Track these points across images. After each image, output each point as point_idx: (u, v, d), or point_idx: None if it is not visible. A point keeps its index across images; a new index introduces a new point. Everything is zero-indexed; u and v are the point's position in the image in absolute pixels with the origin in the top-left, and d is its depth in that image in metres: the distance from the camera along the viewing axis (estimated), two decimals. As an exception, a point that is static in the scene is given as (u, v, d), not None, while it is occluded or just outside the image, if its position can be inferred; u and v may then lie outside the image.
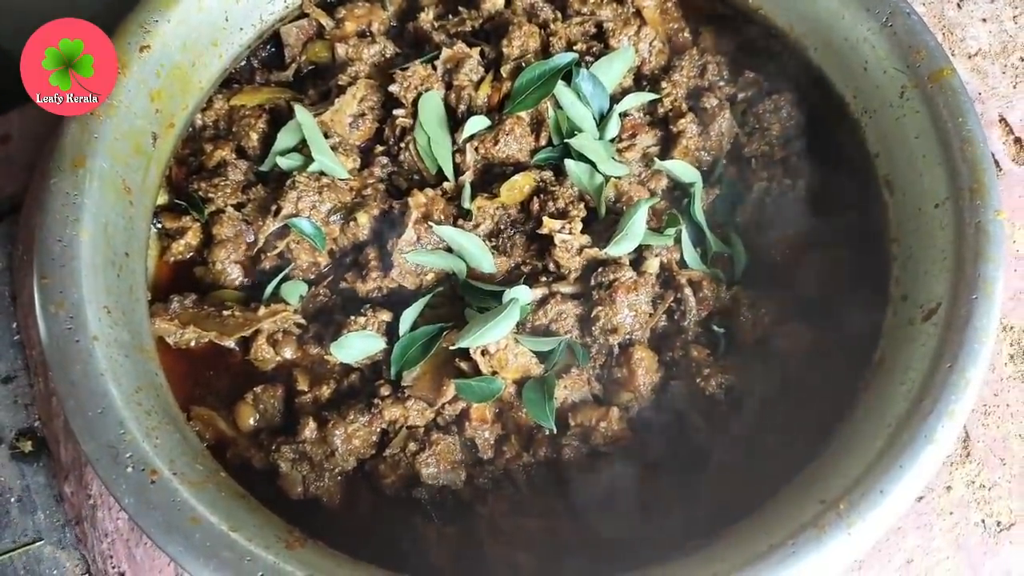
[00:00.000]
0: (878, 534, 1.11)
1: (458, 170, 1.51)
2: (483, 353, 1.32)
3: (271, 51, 1.70)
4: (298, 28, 1.67)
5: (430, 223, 1.42)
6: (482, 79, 1.53)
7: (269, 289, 1.45)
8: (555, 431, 1.32)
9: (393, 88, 1.52)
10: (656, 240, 1.42)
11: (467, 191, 1.46)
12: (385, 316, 1.39)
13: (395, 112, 1.53)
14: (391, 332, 1.39)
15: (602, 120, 1.51)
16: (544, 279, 1.42)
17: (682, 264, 1.44)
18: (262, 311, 1.41)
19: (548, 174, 1.50)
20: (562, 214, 1.43)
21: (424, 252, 1.43)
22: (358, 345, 1.37)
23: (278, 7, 1.65)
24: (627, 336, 1.38)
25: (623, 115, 1.53)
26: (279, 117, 1.58)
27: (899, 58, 1.41)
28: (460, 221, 1.46)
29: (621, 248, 1.39)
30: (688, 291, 1.41)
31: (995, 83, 1.73)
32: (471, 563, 1.27)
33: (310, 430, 1.32)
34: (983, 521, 1.40)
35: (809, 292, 1.43)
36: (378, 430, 1.34)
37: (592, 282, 1.39)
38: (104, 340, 1.23)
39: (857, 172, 1.48)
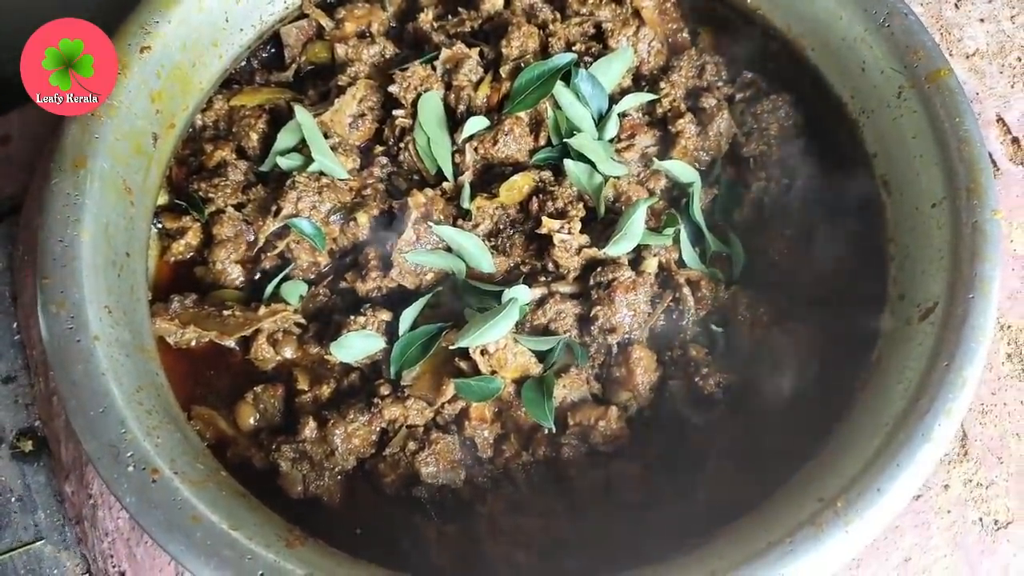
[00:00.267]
0: (876, 532, 1.12)
1: (457, 170, 1.51)
2: (482, 352, 1.32)
3: (271, 52, 1.71)
4: (298, 29, 1.68)
5: (429, 223, 1.43)
6: (481, 79, 1.54)
7: (269, 289, 1.46)
8: (554, 430, 1.32)
9: (393, 88, 1.52)
10: (655, 240, 1.42)
11: (466, 191, 1.47)
12: (385, 316, 1.40)
13: (395, 112, 1.54)
14: (391, 332, 1.39)
15: (601, 120, 1.51)
16: (543, 279, 1.42)
17: (681, 264, 1.45)
18: (262, 311, 1.42)
19: (547, 174, 1.50)
20: (561, 214, 1.43)
21: (423, 252, 1.43)
22: (358, 344, 1.38)
23: (278, 8, 1.65)
24: (626, 335, 1.38)
25: (622, 115, 1.54)
26: (279, 117, 1.59)
27: (897, 58, 1.42)
28: (459, 221, 1.47)
29: (620, 248, 1.39)
30: (687, 291, 1.41)
31: (993, 83, 1.74)
32: (470, 561, 1.27)
33: (310, 429, 1.33)
34: (980, 519, 1.40)
35: (807, 292, 1.43)
36: (378, 429, 1.35)
37: (591, 282, 1.39)
38: (105, 340, 1.23)
39: (855, 172, 1.48)
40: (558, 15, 1.62)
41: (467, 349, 1.32)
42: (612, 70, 1.54)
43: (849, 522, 1.10)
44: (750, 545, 1.12)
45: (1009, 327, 1.53)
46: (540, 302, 1.40)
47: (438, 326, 1.37)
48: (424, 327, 1.38)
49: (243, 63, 1.66)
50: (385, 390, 1.36)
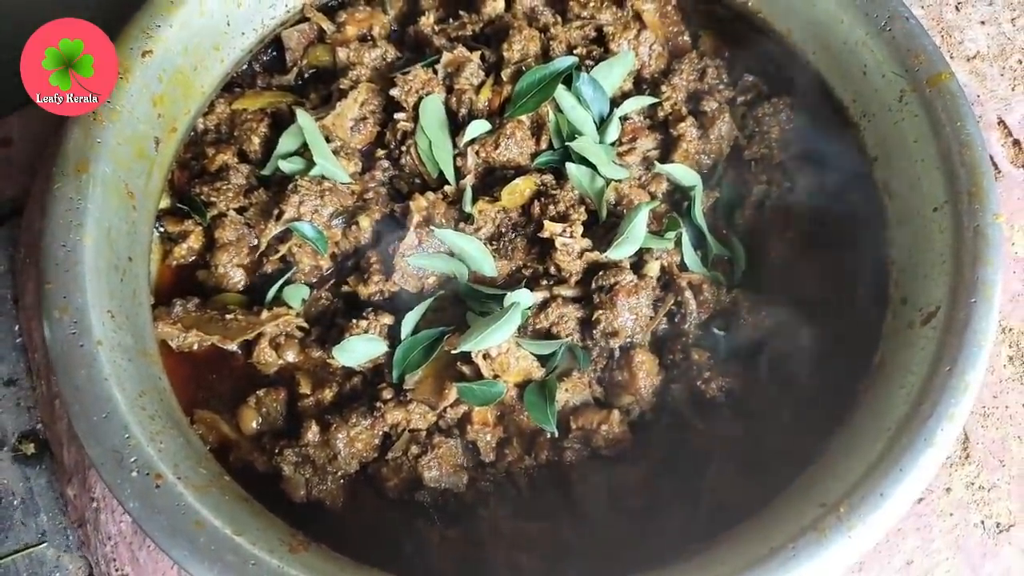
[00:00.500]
0: (878, 536, 1.12)
1: (459, 174, 1.52)
2: (485, 356, 1.33)
3: (272, 55, 1.70)
4: (299, 32, 1.67)
5: (431, 227, 1.43)
6: (483, 83, 1.54)
7: (271, 293, 1.46)
8: (556, 434, 1.33)
9: (394, 92, 1.52)
10: (656, 243, 1.43)
11: (468, 195, 1.47)
12: (387, 320, 1.40)
13: (396, 116, 1.54)
14: (393, 336, 1.39)
15: (602, 124, 1.51)
16: (545, 282, 1.42)
17: (682, 267, 1.45)
18: (264, 315, 1.42)
19: (549, 177, 1.50)
20: (563, 217, 1.43)
21: (425, 256, 1.43)
22: (360, 348, 1.38)
23: (279, 11, 1.65)
24: (628, 339, 1.38)
25: (623, 119, 1.54)
26: (281, 121, 1.59)
27: (898, 62, 1.42)
28: (461, 225, 1.47)
29: (622, 251, 1.39)
30: (688, 294, 1.41)
31: (994, 86, 1.74)
32: (473, 565, 1.27)
33: (313, 433, 1.33)
34: (982, 522, 1.40)
35: (809, 295, 1.43)
36: (380, 433, 1.35)
37: (593, 285, 1.40)
38: (108, 344, 1.24)
39: (856, 176, 1.48)
40: (559, 19, 1.62)
41: (469, 353, 1.32)
42: (613, 73, 1.54)
43: (852, 527, 1.10)
44: (752, 551, 1.12)
45: (1011, 330, 1.53)
46: (542, 306, 1.40)
47: (440, 330, 1.37)
48: (426, 331, 1.38)
49: (244, 67, 1.66)
50: (387, 394, 1.36)
